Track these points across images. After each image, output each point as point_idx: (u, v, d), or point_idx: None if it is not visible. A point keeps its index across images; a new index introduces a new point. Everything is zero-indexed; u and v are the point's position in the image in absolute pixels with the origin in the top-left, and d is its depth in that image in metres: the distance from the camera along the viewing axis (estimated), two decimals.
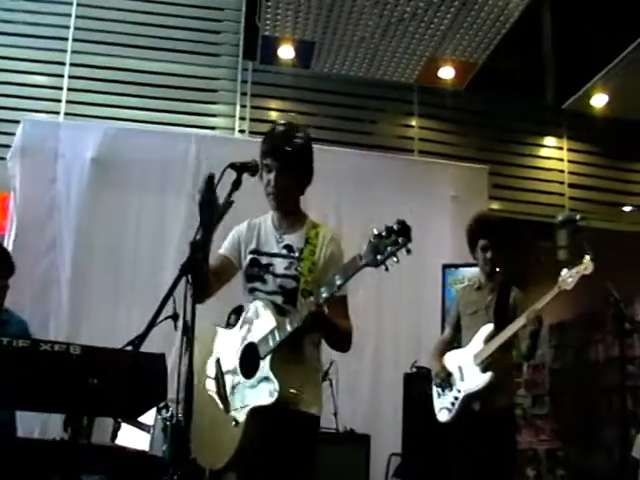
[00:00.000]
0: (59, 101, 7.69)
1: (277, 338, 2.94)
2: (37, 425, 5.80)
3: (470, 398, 4.74)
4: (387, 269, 2.61)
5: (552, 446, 6.73)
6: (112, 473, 3.72)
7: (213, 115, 8.01)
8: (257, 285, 3.19)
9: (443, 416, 4.91)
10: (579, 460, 6.55)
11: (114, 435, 4.75)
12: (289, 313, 3.02)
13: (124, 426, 4.75)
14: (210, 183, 2.87)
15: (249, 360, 3.04)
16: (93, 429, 3.74)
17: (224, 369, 3.17)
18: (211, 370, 3.21)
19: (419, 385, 5.49)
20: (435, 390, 5.03)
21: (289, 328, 2.92)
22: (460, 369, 4.85)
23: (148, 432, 4.87)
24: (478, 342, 4.79)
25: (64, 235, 7.02)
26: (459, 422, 4.79)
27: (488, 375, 4.65)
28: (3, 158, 7.13)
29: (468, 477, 4.67)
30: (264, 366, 2.97)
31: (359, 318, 6.95)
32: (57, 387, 3.27)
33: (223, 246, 3.34)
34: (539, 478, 6.59)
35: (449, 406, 4.87)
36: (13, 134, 7.17)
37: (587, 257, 4.40)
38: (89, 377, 3.29)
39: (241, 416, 2.98)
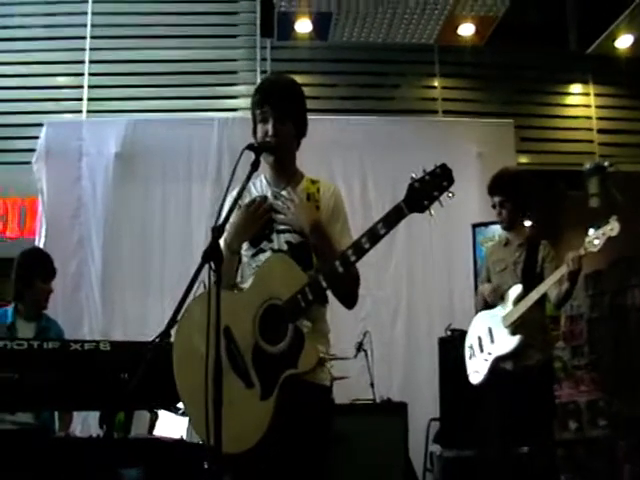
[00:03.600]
0: (80, 100, 7.80)
1: (310, 297, 2.71)
2: (78, 423, 5.83)
3: (501, 359, 4.78)
4: (432, 214, 2.56)
5: (593, 397, 6.70)
6: (149, 464, 3.71)
7: (234, 97, 8.04)
8: (263, 245, 2.95)
9: (475, 378, 4.96)
10: (620, 409, 6.53)
11: (152, 426, 4.82)
12: (311, 268, 2.87)
13: (161, 415, 4.82)
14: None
15: (269, 324, 2.77)
16: (132, 423, 3.87)
17: (238, 338, 2.79)
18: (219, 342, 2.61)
19: (455, 348, 5.50)
20: (467, 352, 5.08)
21: (324, 284, 2.72)
22: (490, 331, 4.89)
23: (184, 416, 4.93)
24: (507, 303, 4.81)
25: (92, 232, 7.16)
26: (491, 383, 4.83)
27: (517, 338, 4.68)
28: (29, 162, 7.23)
29: (504, 436, 4.73)
30: (295, 329, 2.73)
31: (391, 286, 7.12)
32: (90, 385, 3.39)
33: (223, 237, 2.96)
34: (581, 430, 6.58)
35: (480, 368, 4.91)
36: (38, 138, 7.29)
37: (613, 217, 4.35)
38: (120, 372, 3.41)
39: (270, 388, 2.70)
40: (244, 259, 3.01)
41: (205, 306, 2.45)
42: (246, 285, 2.96)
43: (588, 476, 6.13)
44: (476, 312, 5.16)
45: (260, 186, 3.09)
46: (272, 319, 2.77)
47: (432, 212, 2.56)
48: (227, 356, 2.74)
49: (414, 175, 2.57)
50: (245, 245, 2.99)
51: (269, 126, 2.93)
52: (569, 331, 7.36)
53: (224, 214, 2.70)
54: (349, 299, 2.99)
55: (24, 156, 7.39)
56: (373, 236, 2.65)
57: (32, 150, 7.28)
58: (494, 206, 4.96)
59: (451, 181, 2.54)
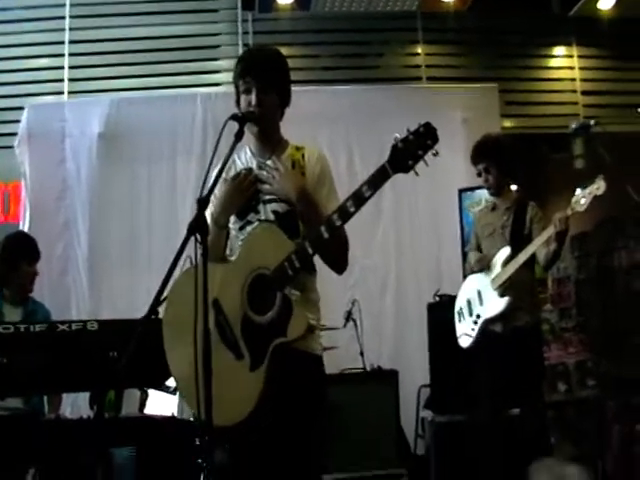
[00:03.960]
0: (62, 81, 7.74)
1: (297, 264, 2.70)
2: (67, 405, 5.88)
3: (490, 322, 4.82)
4: (417, 174, 2.54)
5: (581, 358, 6.75)
6: (142, 443, 3.76)
7: (217, 71, 8.01)
8: (250, 217, 2.95)
9: (464, 342, 5.00)
10: (609, 369, 6.58)
11: (142, 405, 4.85)
12: (299, 236, 2.87)
13: (151, 394, 4.85)
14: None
15: (257, 294, 2.77)
16: (122, 402, 3.89)
17: (227, 310, 2.80)
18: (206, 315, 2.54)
19: (443, 313, 5.51)
20: (456, 316, 5.13)
21: (310, 250, 2.71)
22: (479, 294, 4.93)
23: (174, 395, 4.95)
24: (496, 266, 4.84)
25: (78, 214, 7.15)
26: (480, 346, 4.88)
27: (505, 300, 4.72)
28: (11, 146, 7.21)
29: (494, 398, 4.78)
30: (284, 297, 2.72)
31: (378, 255, 7.14)
32: (79, 365, 3.40)
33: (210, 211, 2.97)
34: (570, 391, 6.64)
35: (469, 331, 4.96)
36: (19, 121, 7.25)
37: (600, 177, 4.38)
38: (109, 351, 3.42)
39: (260, 358, 2.70)
40: (232, 232, 3.01)
41: (193, 279, 2.43)
42: (234, 257, 2.96)
43: (578, 437, 6.18)
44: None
45: (245, 157, 3.09)
46: (260, 289, 2.77)
47: (417, 172, 2.55)
48: (216, 328, 2.76)
49: (398, 135, 2.56)
50: (232, 218, 2.99)
51: (252, 96, 2.91)
52: (557, 293, 7.39)
53: (209, 186, 2.68)
54: (338, 264, 2.99)
55: (6, 140, 7.38)
56: (358, 199, 2.63)
57: (14, 134, 7.25)
58: (479, 174, 4.98)
59: (435, 139, 2.53)
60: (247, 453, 2.84)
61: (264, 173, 2.96)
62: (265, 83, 2.93)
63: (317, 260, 2.90)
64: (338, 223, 2.67)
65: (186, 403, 2.86)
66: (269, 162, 2.99)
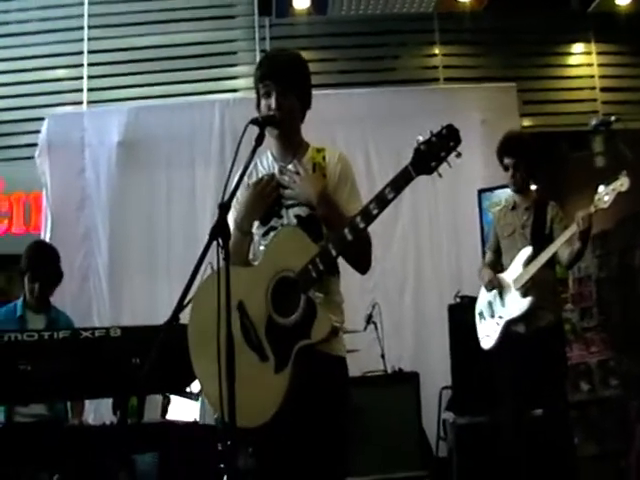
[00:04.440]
0: (80, 91, 7.84)
1: (321, 267, 2.70)
2: (90, 411, 5.95)
3: (512, 322, 4.81)
4: (440, 175, 2.56)
5: (603, 357, 6.71)
6: (164, 449, 3.77)
7: (235, 77, 8.05)
8: (274, 222, 2.95)
9: (486, 343, 5.00)
10: (631, 368, 6.53)
11: (164, 410, 4.87)
12: (322, 239, 2.86)
13: (173, 399, 4.86)
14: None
15: (282, 297, 2.77)
16: (144, 408, 3.91)
17: (251, 313, 2.80)
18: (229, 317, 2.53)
19: (464, 315, 5.52)
20: (478, 317, 5.11)
21: (334, 253, 2.71)
22: (500, 295, 4.92)
23: (197, 400, 4.97)
24: (517, 266, 4.83)
25: (98, 223, 7.22)
26: (503, 346, 4.87)
27: (528, 300, 4.71)
28: (31, 157, 7.29)
29: (517, 399, 4.76)
30: (308, 300, 2.72)
31: (398, 256, 7.15)
32: (102, 372, 3.43)
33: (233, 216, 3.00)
34: (593, 391, 6.61)
35: (491, 333, 4.95)
36: (39, 132, 7.33)
37: (623, 173, 4.36)
38: (132, 357, 3.44)
39: (285, 360, 2.70)
40: (255, 238, 3.01)
41: (216, 284, 2.43)
42: (258, 261, 2.96)
43: (601, 436, 6.15)
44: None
45: (267, 162, 3.09)
46: (284, 291, 2.77)
47: (440, 174, 2.56)
48: (241, 331, 2.77)
49: (420, 137, 2.57)
50: (255, 224, 2.99)
51: (272, 100, 2.91)
52: (578, 293, 7.34)
53: (230, 190, 2.69)
54: (362, 265, 2.98)
55: (27, 151, 7.49)
56: (381, 201, 2.64)
57: (34, 145, 7.34)
58: (507, 168, 4.94)
59: (458, 141, 2.55)
60: (271, 456, 2.85)
61: (285, 178, 2.96)
62: (284, 86, 2.93)
63: (340, 263, 2.90)
64: (362, 225, 2.68)
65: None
66: (290, 166, 2.99)
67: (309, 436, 2.77)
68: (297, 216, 2.94)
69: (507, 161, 4.93)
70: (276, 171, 3.02)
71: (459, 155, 2.55)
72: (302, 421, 2.75)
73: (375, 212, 2.65)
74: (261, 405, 2.69)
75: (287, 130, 2.99)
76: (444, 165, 2.56)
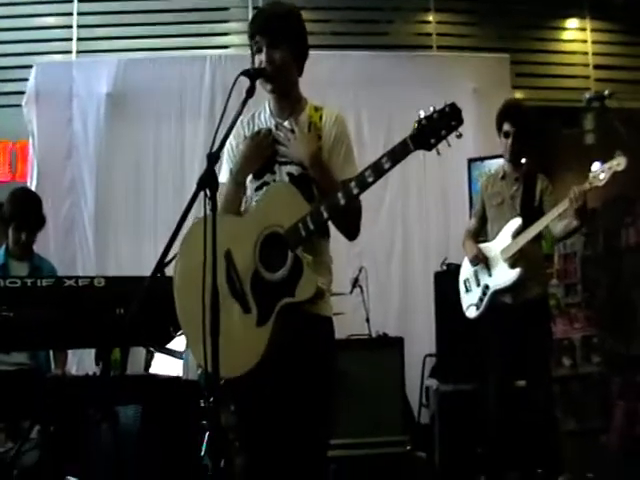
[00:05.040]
0: (70, 40, 7.70)
1: (311, 227, 2.69)
2: (73, 363, 5.88)
3: (499, 293, 4.79)
4: (439, 153, 2.58)
5: (587, 333, 6.75)
6: (147, 401, 3.73)
7: (226, 34, 7.93)
8: (267, 178, 2.92)
9: (471, 312, 4.98)
10: (614, 345, 6.58)
11: (147, 365, 4.83)
12: (313, 199, 2.83)
13: (157, 356, 4.82)
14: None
15: (269, 252, 2.75)
16: (127, 361, 3.86)
17: (238, 263, 2.77)
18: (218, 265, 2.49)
19: (450, 283, 5.48)
20: (462, 286, 5.09)
21: (325, 215, 2.70)
22: (487, 264, 4.89)
23: (181, 359, 4.93)
24: (506, 236, 4.79)
25: (84, 174, 7.15)
26: (489, 317, 4.84)
27: (517, 271, 4.69)
28: (19, 105, 7.17)
29: (503, 369, 4.75)
30: (295, 257, 2.70)
31: (386, 222, 7.13)
32: (85, 321, 3.35)
33: (222, 173, 2.99)
34: (575, 367, 6.65)
35: (477, 302, 4.92)
36: (27, 80, 7.21)
37: (619, 152, 4.33)
38: (115, 308, 3.38)
39: (267, 315, 2.69)
40: (248, 192, 2.98)
41: (204, 231, 2.40)
42: (250, 212, 2.94)
43: (582, 412, 6.20)
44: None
45: (264, 116, 3.03)
46: (272, 246, 2.75)
47: (439, 151, 2.58)
48: (226, 280, 2.74)
49: (422, 112, 2.55)
50: (249, 177, 2.96)
51: (263, 55, 2.85)
52: (563, 269, 7.35)
53: (219, 141, 2.62)
54: (351, 231, 2.96)
55: (14, 99, 7.34)
56: (377, 170, 2.62)
57: (22, 92, 7.21)
58: (506, 134, 4.88)
59: (460, 121, 2.54)
60: (255, 414, 2.83)
61: (281, 134, 2.92)
62: (273, 38, 2.85)
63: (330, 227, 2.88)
64: (355, 192, 2.66)
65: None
66: (286, 123, 2.94)
67: (294, 395, 2.75)
68: (289, 174, 2.91)
69: (507, 128, 4.86)
70: (272, 126, 2.97)
71: (460, 136, 2.55)
72: (287, 380, 2.74)
73: (370, 180, 2.64)
74: (241, 356, 2.67)
75: (282, 84, 2.92)
76: (443, 143, 2.56)
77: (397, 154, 2.60)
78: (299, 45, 2.95)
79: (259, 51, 2.88)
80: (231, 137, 2.92)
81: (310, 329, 2.77)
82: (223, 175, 2.97)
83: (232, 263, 2.77)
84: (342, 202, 2.67)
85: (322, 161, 2.85)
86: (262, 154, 2.91)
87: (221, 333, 2.38)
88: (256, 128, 2.99)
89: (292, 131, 2.90)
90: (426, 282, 6.44)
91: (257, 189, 2.94)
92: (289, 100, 2.99)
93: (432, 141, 2.55)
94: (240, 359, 2.65)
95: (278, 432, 2.77)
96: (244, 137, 2.97)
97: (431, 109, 2.55)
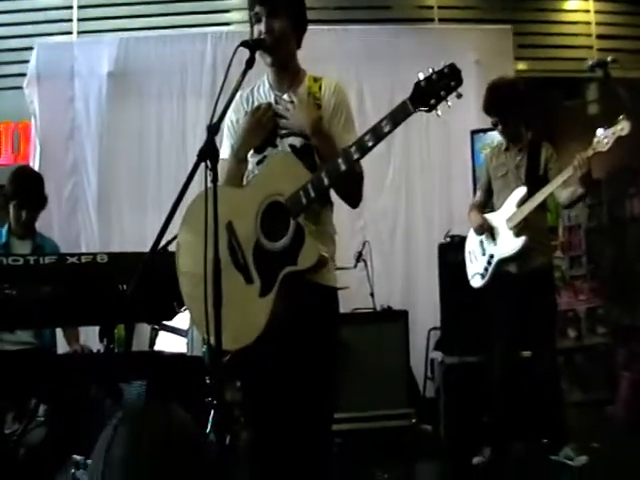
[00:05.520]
0: (70, 20, 7.63)
1: (312, 194, 2.69)
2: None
3: (504, 262, 4.79)
4: (439, 115, 2.55)
5: (592, 305, 6.76)
6: (151, 378, 3.77)
7: (227, 11, 7.86)
8: (268, 152, 2.91)
9: (476, 282, 4.98)
10: (619, 317, 6.58)
11: (152, 343, 4.83)
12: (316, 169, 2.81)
13: (161, 334, 4.82)
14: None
15: (271, 221, 2.75)
16: (132, 338, 3.87)
17: (240, 234, 2.78)
18: (219, 237, 2.52)
19: (454, 254, 5.49)
20: (468, 256, 5.09)
21: (326, 182, 2.69)
22: (492, 233, 4.89)
23: (185, 336, 4.92)
24: (511, 206, 4.80)
25: (87, 153, 7.13)
26: (494, 286, 4.85)
27: (522, 239, 4.69)
28: (20, 87, 7.14)
29: (509, 340, 4.76)
30: (297, 225, 2.71)
31: (389, 195, 7.11)
32: (89, 298, 3.35)
33: (223, 148, 2.99)
34: (580, 338, 6.65)
35: (482, 271, 4.93)
36: (28, 61, 7.17)
37: (622, 117, 4.30)
38: (119, 284, 3.37)
39: (270, 285, 2.69)
40: (249, 166, 2.97)
41: (205, 203, 2.41)
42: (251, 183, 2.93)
43: (587, 383, 6.20)
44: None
45: (263, 90, 3.03)
46: (274, 216, 2.75)
47: (439, 113, 2.54)
48: (228, 251, 2.75)
49: (421, 74, 2.54)
50: (251, 151, 2.95)
51: (262, 25, 2.85)
52: (567, 241, 7.36)
53: (219, 112, 2.60)
54: (354, 198, 2.96)
55: (15, 81, 7.30)
56: (377, 134, 2.61)
57: (23, 74, 7.17)
58: (495, 124, 4.90)
59: (460, 81, 2.53)
60: (259, 387, 2.83)
61: (280, 107, 2.91)
62: (273, 8, 2.85)
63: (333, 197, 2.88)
64: (356, 156, 2.64)
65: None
66: (285, 96, 2.94)
67: (297, 368, 2.75)
68: (291, 146, 2.90)
69: (492, 119, 4.88)
70: (272, 100, 2.97)
71: (459, 96, 2.53)
72: (290, 352, 2.74)
73: (370, 144, 2.62)
74: (245, 327, 2.67)
75: (282, 56, 2.92)
76: (443, 105, 2.52)
77: (397, 116, 2.58)
78: (298, 16, 2.95)
79: (258, 21, 2.87)
80: (231, 112, 2.96)
81: (313, 298, 2.77)
82: (224, 151, 2.96)
83: (234, 234, 2.78)
84: (343, 167, 2.66)
85: (323, 128, 2.85)
86: (263, 129, 2.89)
87: (224, 305, 2.38)
88: (256, 102, 2.99)
89: (292, 102, 2.89)
90: (430, 255, 6.37)
91: (258, 163, 2.94)
92: (288, 72, 2.99)
93: (432, 102, 2.52)
94: (243, 331, 2.66)
95: (282, 406, 2.77)
96: (244, 112, 2.96)
97: (430, 70, 2.54)
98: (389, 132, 2.59)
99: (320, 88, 2.96)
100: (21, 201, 4.62)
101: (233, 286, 2.65)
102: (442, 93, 2.51)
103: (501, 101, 4.85)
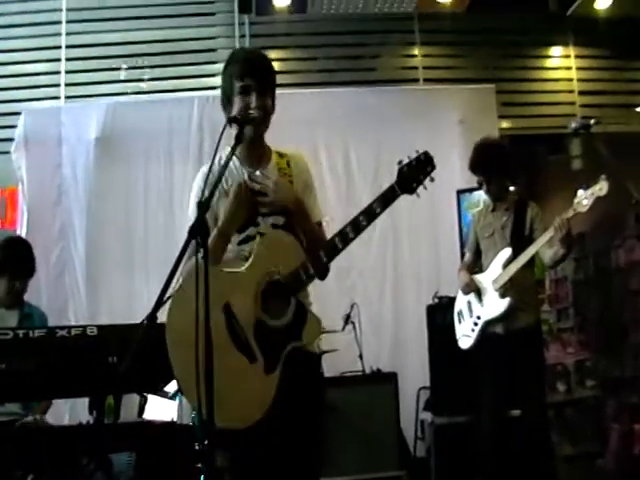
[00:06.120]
0: (58, 85, 7.74)
1: (311, 271, 2.80)
2: (66, 411, 5.97)
3: (490, 323, 4.83)
4: (418, 196, 2.87)
5: (580, 357, 6.77)
6: (141, 448, 3.73)
7: (214, 75, 7.97)
8: (249, 232, 2.94)
9: (464, 343, 5.02)
10: (608, 369, 6.59)
11: (141, 410, 4.82)
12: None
13: (151, 399, 4.82)
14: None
15: (270, 299, 2.81)
16: (120, 407, 3.87)
17: (238, 314, 2.79)
18: (216, 319, 2.59)
19: (442, 315, 5.54)
20: (456, 317, 5.13)
21: (325, 259, 2.82)
22: (479, 295, 4.94)
23: (174, 400, 4.93)
24: (496, 267, 4.85)
25: (74, 219, 7.15)
26: (481, 347, 4.89)
27: (506, 301, 4.74)
28: (7, 152, 7.21)
29: (497, 400, 4.78)
30: (298, 303, 2.82)
31: (376, 256, 7.16)
32: (79, 371, 3.36)
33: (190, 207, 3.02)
34: (569, 392, 6.65)
35: (469, 332, 4.96)
36: (16, 126, 7.25)
37: (602, 177, 4.39)
38: (108, 356, 3.40)
39: (274, 362, 2.76)
40: (229, 246, 2.97)
41: (199, 282, 2.42)
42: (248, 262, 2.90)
43: (577, 437, 6.19)
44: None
45: (234, 165, 3.02)
46: (273, 294, 2.82)
47: (418, 194, 2.88)
48: (228, 332, 2.78)
49: (402, 160, 2.83)
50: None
51: (252, 98, 2.90)
52: (554, 294, 7.40)
53: (208, 190, 2.65)
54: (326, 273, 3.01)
55: (2, 146, 7.37)
56: (369, 215, 2.81)
57: (11, 139, 7.25)
58: (480, 183, 4.99)
59: (433, 167, 2.86)
60: (249, 456, 2.86)
61: (256, 185, 2.94)
62: (265, 84, 2.95)
63: None
64: (351, 236, 2.81)
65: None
66: (257, 172, 2.99)
67: (290, 434, 2.81)
68: (274, 225, 2.96)
69: (477, 178, 4.97)
70: (245, 176, 2.98)
71: (433, 180, 2.88)
72: (283, 419, 2.76)
73: (364, 224, 2.81)
74: (250, 406, 2.72)
75: (262, 132, 3.02)
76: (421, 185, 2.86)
77: (386, 198, 2.83)
78: (274, 97, 3.04)
79: (246, 93, 2.91)
80: (200, 181, 2.96)
81: (305, 368, 2.87)
82: (191, 209, 2.98)
83: (232, 315, 2.80)
84: (340, 246, 2.81)
85: (303, 204, 2.96)
86: (247, 207, 2.93)
87: (225, 386, 2.48)
88: (229, 177, 2.98)
89: (272, 180, 2.94)
90: (418, 316, 6.42)
91: (240, 243, 2.96)
92: (257, 149, 3.06)
93: (413, 185, 2.84)
94: (252, 409, 2.71)
95: (270, 470, 2.82)
96: (224, 191, 2.95)
97: (407, 158, 2.85)
98: (380, 213, 2.82)
99: (288, 164, 3.06)
100: (14, 271, 4.66)
101: (236, 367, 2.73)
102: (420, 177, 2.84)
103: (487, 161, 4.94)
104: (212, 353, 2.40)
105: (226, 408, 2.49)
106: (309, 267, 2.80)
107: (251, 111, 2.89)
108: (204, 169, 3.03)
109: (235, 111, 2.92)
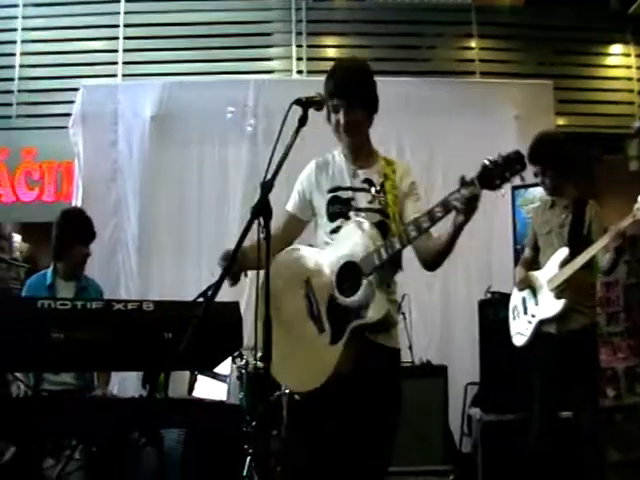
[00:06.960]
0: (116, 63, 7.85)
1: (384, 255, 2.94)
2: (115, 383, 5.89)
3: (544, 322, 4.74)
4: (503, 195, 3.08)
5: (630, 363, 6.66)
6: (190, 425, 3.78)
7: (269, 59, 8.01)
8: (340, 223, 3.18)
9: (518, 340, 4.92)
10: None
11: (191, 388, 4.83)
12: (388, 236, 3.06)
13: (200, 378, 4.82)
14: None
15: (345, 279, 3.04)
16: (170, 384, 3.86)
17: (316, 289, 3.10)
18: (298, 290, 3.14)
19: (494, 311, 5.47)
20: (511, 313, 5.04)
21: (397, 246, 2.93)
22: (534, 293, 4.84)
23: (224, 382, 4.93)
24: (553, 266, 4.73)
25: (129, 196, 7.23)
26: (535, 346, 4.79)
27: (562, 302, 4.61)
28: (65, 127, 7.30)
29: (548, 401, 4.70)
30: (369, 283, 2.96)
31: None
32: (133, 344, 3.36)
33: (289, 202, 3.37)
34: (619, 397, 6.54)
35: (523, 330, 4.87)
36: (74, 102, 7.34)
37: None
38: (164, 332, 3.39)
39: (340, 335, 2.97)
40: (320, 231, 3.27)
41: (291, 259, 3.16)
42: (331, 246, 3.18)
43: (626, 443, 6.09)
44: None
45: (337, 164, 3.29)
46: (348, 274, 3.03)
47: (503, 192, 2.88)
48: (305, 303, 3.12)
49: (487, 161, 2.75)
50: (324, 220, 3.23)
51: (340, 116, 3.12)
52: (605, 297, 7.26)
53: (273, 169, 2.75)
54: (434, 264, 3.25)
55: (60, 121, 7.48)
56: (446, 207, 2.87)
57: (68, 114, 7.34)
58: (536, 174, 4.88)
59: (524, 166, 2.77)
60: (321, 443, 3.03)
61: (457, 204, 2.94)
62: (352, 104, 3.12)
63: None
64: (425, 225, 2.92)
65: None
66: (360, 172, 3.21)
67: (362, 427, 2.96)
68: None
69: (535, 168, 4.87)
70: (346, 172, 3.24)
71: (523, 179, 2.82)
72: (357, 412, 2.96)
73: (439, 215, 2.90)
74: (312, 372, 2.99)
75: (357, 141, 3.21)
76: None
77: (464, 193, 2.82)
78: (372, 101, 3.23)
79: (336, 111, 3.15)
80: (303, 178, 3.33)
81: (381, 363, 3.02)
82: (289, 203, 3.36)
83: (311, 289, 3.13)
84: (413, 234, 2.92)
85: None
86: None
87: (296, 350, 3.01)
88: (330, 172, 3.28)
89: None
90: (469, 310, 6.39)
91: (332, 232, 3.20)
92: (362, 150, 3.27)
93: (497, 182, 2.77)
94: (311, 375, 2.98)
95: (342, 460, 2.98)
96: (315, 183, 3.28)
97: (496, 155, 2.76)
98: (456, 207, 2.85)
99: (394, 172, 3.24)
100: (82, 237, 4.73)
101: (306, 334, 3.06)
102: (506, 174, 2.76)
103: (543, 151, 4.82)
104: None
105: (290, 371, 3.04)
106: (382, 252, 2.94)
107: (339, 129, 3.15)
108: (305, 175, 3.33)
109: (331, 125, 3.20)
